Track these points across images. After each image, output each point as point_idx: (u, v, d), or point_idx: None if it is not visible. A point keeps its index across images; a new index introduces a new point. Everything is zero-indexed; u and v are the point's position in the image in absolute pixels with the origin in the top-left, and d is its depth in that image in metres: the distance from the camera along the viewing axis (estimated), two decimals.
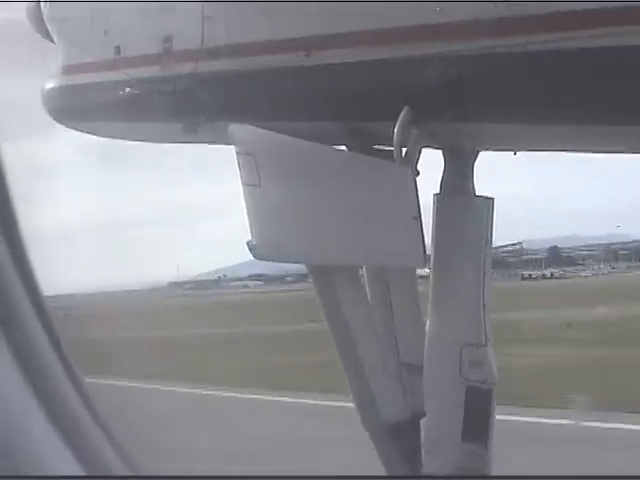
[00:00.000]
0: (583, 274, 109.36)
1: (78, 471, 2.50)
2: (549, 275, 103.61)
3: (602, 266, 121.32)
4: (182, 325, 44.02)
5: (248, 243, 6.62)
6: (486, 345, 6.42)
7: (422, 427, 6.81)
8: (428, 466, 6.65)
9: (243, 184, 6.50)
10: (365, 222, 6.16)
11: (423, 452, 6.70)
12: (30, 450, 2.42)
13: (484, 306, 6.47)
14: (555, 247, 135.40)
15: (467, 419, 6.41)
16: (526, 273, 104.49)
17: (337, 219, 6.27)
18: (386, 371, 6.89)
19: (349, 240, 6.30)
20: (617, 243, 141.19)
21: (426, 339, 6.59)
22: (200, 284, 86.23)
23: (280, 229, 6.55)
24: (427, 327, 6.64)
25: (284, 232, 6.54)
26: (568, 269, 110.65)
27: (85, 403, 2.68)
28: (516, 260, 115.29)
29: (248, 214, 6.57)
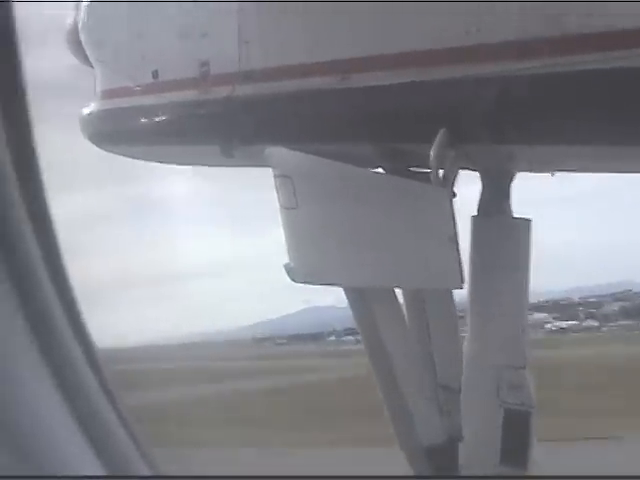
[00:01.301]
0: None
1: (102, 471, 2.52)
2: None
3: None
4: None
5: (286, 266, 6.65)
6: (524, 368, 6.36)
7: (460, 450, 6.77)
8: None
9: (281, 207, 6.53)
10: (402, 244, 6.15)
11: (461, 475, 6.66)
12: (55, 450, 2.43)
13: (523, 328, 6.43)
14: None
15: (505, 442, 6.35)
16: None
17: (374, 241, 6.27)
18: (423, 393, 6.87)
19: (386, 262, 6.29)
20: None
21: (464, 361, 6.55)
22: (296, 339, 66.48)
23: (317, 252, 6.56)
24: (465, 349, 6.61)
25: (321, 255, 6.55)
26: None
27: (110, 403, 2.70)
28: None
29: (286, 237, 6.60)
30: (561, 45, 5.29)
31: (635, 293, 58.25)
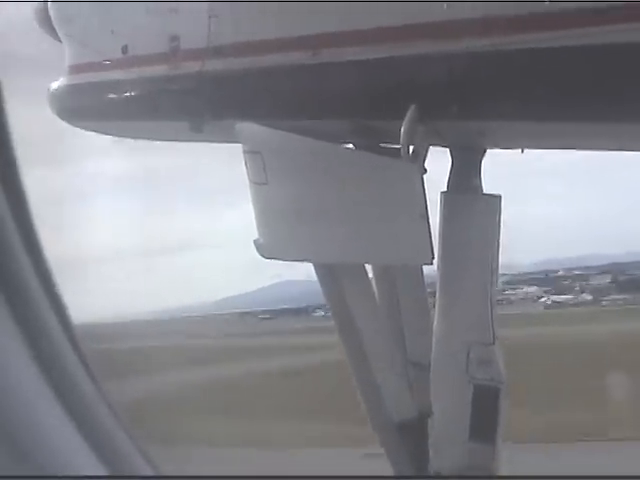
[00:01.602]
0: None
1: (101, 471, 2.53)
2: None
3: None
4: None
5: (255, 242, 6.64)
6: (493, 344, 6.40)
7: (430, 426, 6.80)
8: (435, 465, 6.63)
9: (250, 182, 6.52)
10: (372, 220, 6.15)
11: (431, 451, 6.70)
12: (54, 451, 2.46)
13: (491, 305, 6.46)
14: None
15: (474, 418, 6.39)
16: None
17: (344, 217, 6.27)
18: (393, 369, 6.89)
19: (356, 238, 6.30)
20: None
21: (433, 338, 6.57)
22: (280, 313, 61.24)
23: (287, 227, 6.56)
24: (434, 326, 6.63)
25: (291, 230, 6.54)
26: None
27: (107, 405, 2.71)
28: None
29: (255, 212, 6.60)
30: (531, 22, 5.30)
31: (621, 264, 55.79)
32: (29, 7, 8.28)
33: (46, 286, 2.66)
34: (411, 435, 6.88)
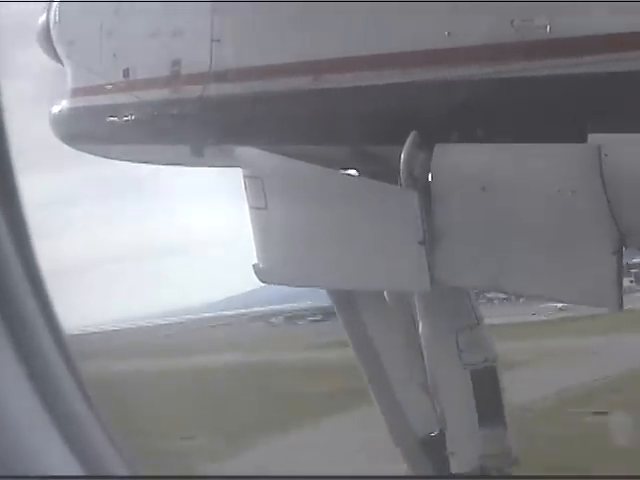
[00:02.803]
0: None
1: (79, 471, 2.51)
2: None
3: None
4: None
5: (254, 266, 6.64)
6: (478, 324, 6.50)
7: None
8: (455, 468, 6.65)
9: (250, 207, 6.52)
10: (370, 246, 6.15)
11: (449, 456, 6.72)
12: (32, 451, 2.43)
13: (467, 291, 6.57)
14: None
15: (479, 404, 6.45)
16: None
17: (342, 243, 6.27)
18: (413, 385, 6.94)
19: (354, 264, 6.29)
20: None
21: (422, 340, 6.61)
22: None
23: (286, 253, 6.56)
24: (420, 326, 6.66)
25: (289, 255, 6.56)
26: None
27: (87, 405, 2.69)
28: None
29: (254, 237, 6.59)
30: (530, 50, 5.32)
31: None
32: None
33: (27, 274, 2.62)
34: (434, 449, 6.91)
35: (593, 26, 5.10)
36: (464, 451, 6.62)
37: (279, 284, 6.92)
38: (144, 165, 8.24)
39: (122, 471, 2.76)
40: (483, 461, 6.51)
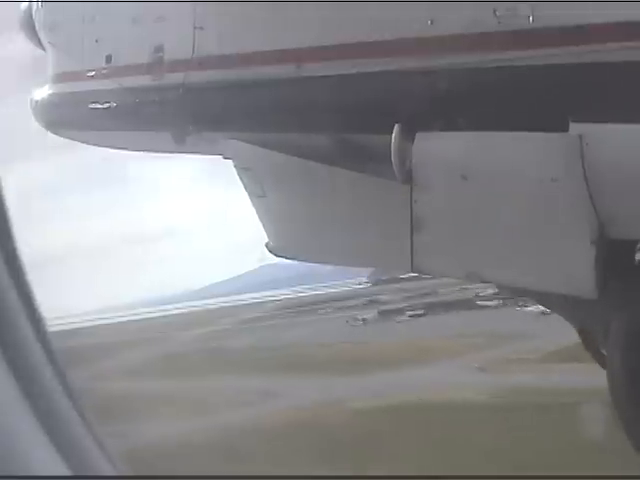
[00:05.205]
0: None
1: (65, 472, 2.49)
2: None
3: None
4: None
5: (267, 244, 6.87)
6: None
7: None
8: None
9: (249, 194, 6.66)
10: (365, 233, 6.19)
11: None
12: (18, 451, 2.40)
13: None
14: None
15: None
16: None
17: (341, 228, 6.34)
18: None
19: (354, 247, 6.39)
20: None
21: None
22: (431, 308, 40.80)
23: (291, 231, 6.78)
24: None
25: (295, 234, 6.76)
26: None
27: (73, 404, 2.67)
28: None
29: (260, 219, 6.83)
30: (512, 39, 5.31)
31: None
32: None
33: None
34: None
35: (576, 16, 5.10)
36: None
37: (292, 259, 7.11)
38: (126, 152, 8.21)
39: (109, 471, 2.74)
40: None
